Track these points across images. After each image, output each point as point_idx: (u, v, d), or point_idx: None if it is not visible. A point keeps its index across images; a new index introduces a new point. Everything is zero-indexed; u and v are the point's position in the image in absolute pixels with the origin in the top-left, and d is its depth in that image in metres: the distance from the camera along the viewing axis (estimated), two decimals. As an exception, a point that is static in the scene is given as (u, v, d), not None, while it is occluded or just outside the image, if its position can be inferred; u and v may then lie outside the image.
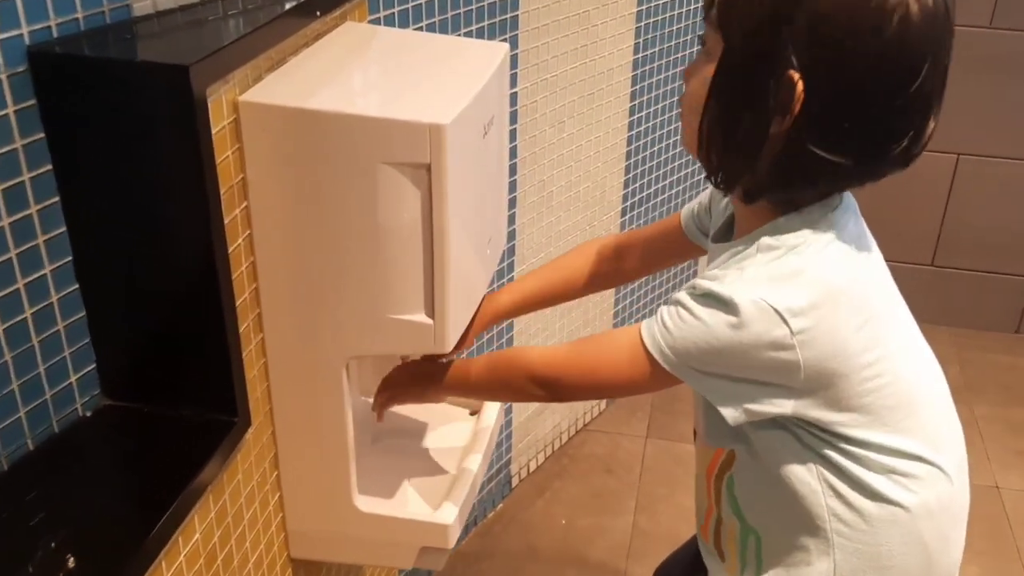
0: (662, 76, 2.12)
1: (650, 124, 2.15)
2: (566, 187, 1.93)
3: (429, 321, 1.02)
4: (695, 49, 2.19)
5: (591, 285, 1.29)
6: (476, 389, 1.18)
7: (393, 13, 1.32)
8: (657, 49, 2.06)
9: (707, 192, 1.17)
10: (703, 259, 1.25)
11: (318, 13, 1.08)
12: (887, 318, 0.97)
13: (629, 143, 2.10)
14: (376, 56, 1.12)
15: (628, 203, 2.19)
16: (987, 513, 2.18)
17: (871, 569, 0.98)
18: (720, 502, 1.07)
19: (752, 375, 0.91)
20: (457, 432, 1.36)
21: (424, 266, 1.00)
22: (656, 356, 0.93)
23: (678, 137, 2.26)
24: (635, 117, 2.08)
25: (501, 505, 2.14)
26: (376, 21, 1.28)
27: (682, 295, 0.93)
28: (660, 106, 2.16)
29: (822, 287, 0.89)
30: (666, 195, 2.32)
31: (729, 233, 1.04)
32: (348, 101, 0.97)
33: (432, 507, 1.20)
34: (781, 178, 0.91)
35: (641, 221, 2.26)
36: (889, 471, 0.96)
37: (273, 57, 1.00)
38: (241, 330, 1.01)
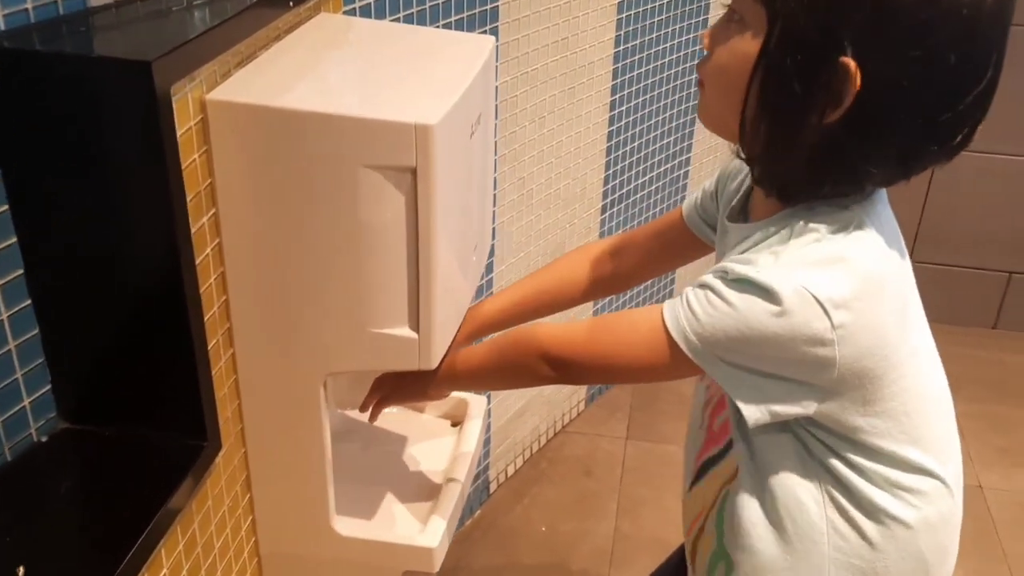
0: (643, 69, 2.06)
1: (631, 119, 2.09)
2: (546, 184, 1.87)
3: (414, 335, 0.95)
4: (679, 40, 2.13)
5: (587, 291, 1.20)
6: (480, 377, 1.07)
7: (369, 3, 1.24)
8: (638, 41, 2.00)
9: (711, 180, 1.10)
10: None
11: (291, 4, 1.01)
12: (913, 315, 0.92)
13: (609, 138, 2.04)
14: (354, 50, 1.05)
15: (608, 200, 2.13)
16: (970, 513, 2.13)
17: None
18: (711, 513, 1.01)
19: (782, 370, 0.85)
20: (439, 445, 1.29)
21: (408, 277, 0.93)
22: (679, 342, 0.86)
23: (658, 132, 2.21)
24: (616, 112, 2.02)
25: (479, 512, 2.08)
26: (351, 12, 1.21)
27: (711, 279, 0.85)
28: (641, 100, 2.09)
29: (865, 277, 0.83)
30: (646, 191, 2.26)
31: (744, 212, 0.97)
32: (325, 99, 0.90)
33: (415, 529, 1.13)
34: (820, 171, 0.84)
35: (621, 218, 2.20)
36: (893, 485, 0.92)
37: (243, 52, 0.93)
38: (210, 346, 0.93)
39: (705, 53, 0.89)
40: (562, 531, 2.06)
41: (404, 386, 1.14)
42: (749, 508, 0.95)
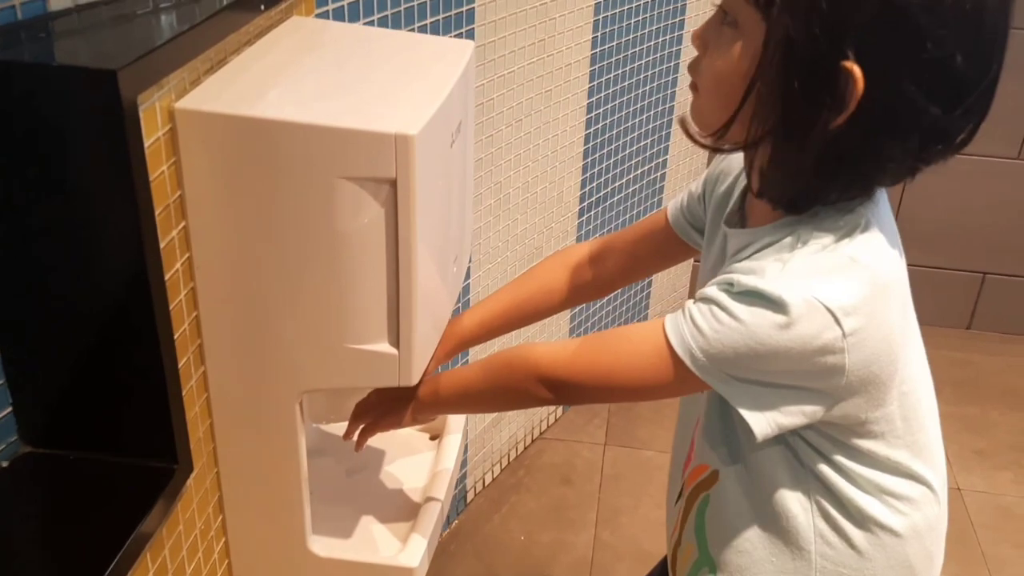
0: (620, 71, 2.03)
1: (608, 121, 2.06)
2: (523, 188, 1.84)
3: (393, 351, 0.92)
4: (656, 42, 2.11)
5: (568, 298, 1.16)
6: (470, 401, 1.03)
7: (342, 6, 1.21)
8: (615, 43, 1.97)
9: (698, 181, 1.07)
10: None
11: (262, 7, 0.97)
12: (911, 316, 0.90)
13: (587, 141, 2.01)
14: (328, 55, 1.01)
15: (586, 203, 2.10)
16: (950, 516, 2.13)
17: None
18: (685, 523, 0.99)
19: (792, 381, 0.82)
20: (417, 460, 1.26)
21: (388, 291, 0.89)
22: (685, 359, 0.83)
23: (635, 135, 2.18)
24: (593, 114, 1.99)
25: (456, 521, 2.04)
26: (324, 15, 1.17)
27: (715, 292, 0.82)
28: (618, 102, 2.07)
29: (873, 280, 0.81)
30: (623, 194, 2.23)
31: (742, 215, 0.94)
32: (299, 108, 0.86)
33: (395, 548, 1.10)
34: (827, 179, 0.81)
35: (599, 221, 2.17)
36: (883, 492, 0.90)
37: (212, 58, 0.89)
38: (180, 364, 0.89)
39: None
40: (541, 541, 2.03)
41: (387, 412, 1.10)
42: (736, 514, 0.94)
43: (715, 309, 0.81)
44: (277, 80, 0.91)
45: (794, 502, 0.90)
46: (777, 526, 0.92)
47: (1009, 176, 2.59)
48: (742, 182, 0.95)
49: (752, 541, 0.94)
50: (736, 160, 0.98)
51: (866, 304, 0.79)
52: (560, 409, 2.35)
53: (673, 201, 1.11)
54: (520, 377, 0.95)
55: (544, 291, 1.17)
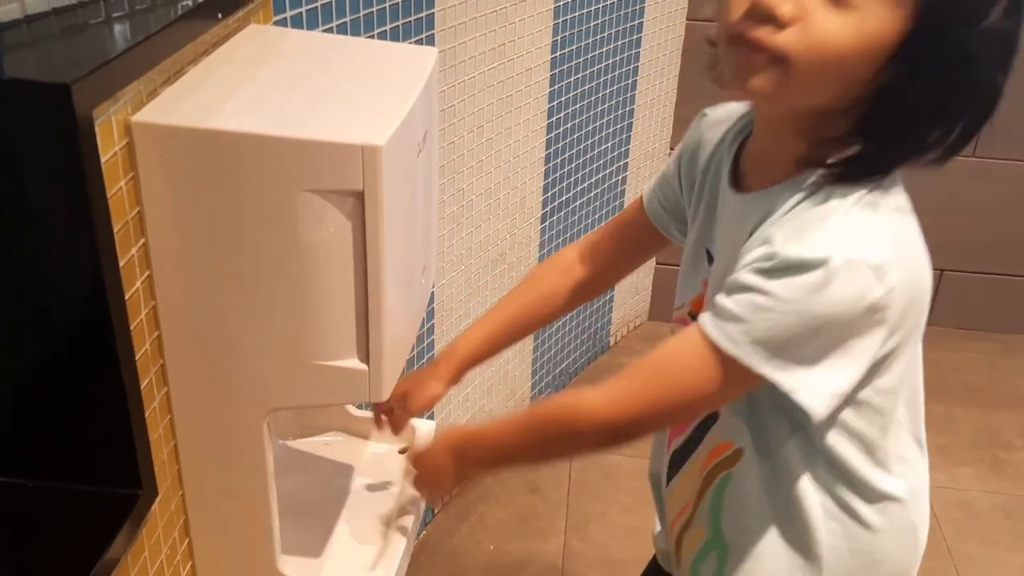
0: (580, 75, 2.02)
1: (568, 126, 2.05)
2: (486, 194, 1.82)
3: (363, 367, 0.90)
4: (615, 45, 2.10)
5: (565, 305, 1.14)
6: (519, 462, 1.01)
7: (300, 13, 1.18)
8: (575, 47, 1.96)
9: (671, 160, 1.04)
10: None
11: (219, 16, 0.94)
12: None
13: (548, 146, 2.00)
14: (288, 64, 0.98)
15: (548, 208, 2.09)
16: (915, 512, 2.16)
17: (864, 567, 0.93)
18: (699, 504, 0.98)
19: (845, 349, 0.79)
20: (388, 475, 1.23)
21: (356, 306, 0.87)
22: (744, 359, 0.78)
23: (596, 138, 2.17)
24: (553, 119, 1.98)
25: (423, 533, 2.02)
26: (282, 23, 1.15)
27: (750, 276, 0.78)
28: (578, 106, 2.06)
29: (907, 228, 0.81)
30: (586, 198, 2.22)
31: (735, 181, 0.91)
32: (261, 119, 0.83)
33: (366, 569, 1.07)
34: (910, 145, 0.81)
35: (562, 226, 2.16)
36: (889, 457, 0.91)
37: (169, 68, 0.86)
38: (143, 386, 0.86)
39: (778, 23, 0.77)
40: (510, 550, 2.01)
41: (442, 481, 1.05)
42: (753, 493, 0.93)
43: (755, 296, 0.77)
44: (236, 91, 0.88)
45: (807, 483, 0.90)
46: (789, 508, 0.91)
47: (965, 173, 2.62)
48: (731, 149, 0.93)
49: (765, 523, 0.93)
50: (718, 129, 0.96)
51: (900, 258, 0.78)
52: (526, 416, 2.33)
53: (648, 188, 1.08)
54: (575, 431, 0.89)
55: (543, 299, 1.14)
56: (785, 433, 0.90)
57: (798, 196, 0.81)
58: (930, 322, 0.97)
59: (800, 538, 0.92)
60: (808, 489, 0.91)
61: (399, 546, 1.09)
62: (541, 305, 1.14)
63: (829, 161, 0.81)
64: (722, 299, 0.80)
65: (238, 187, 0.81)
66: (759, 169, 0.89)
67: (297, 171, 0.80)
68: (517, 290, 1.17)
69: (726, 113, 0.98)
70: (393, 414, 1.18)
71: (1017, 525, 2.15)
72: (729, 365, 0.79)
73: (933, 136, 0.79)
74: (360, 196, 0.81)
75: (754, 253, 0.80)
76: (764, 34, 0.77)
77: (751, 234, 0.84)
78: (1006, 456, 2.37)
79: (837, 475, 0.90)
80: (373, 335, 0.88)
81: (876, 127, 0.80)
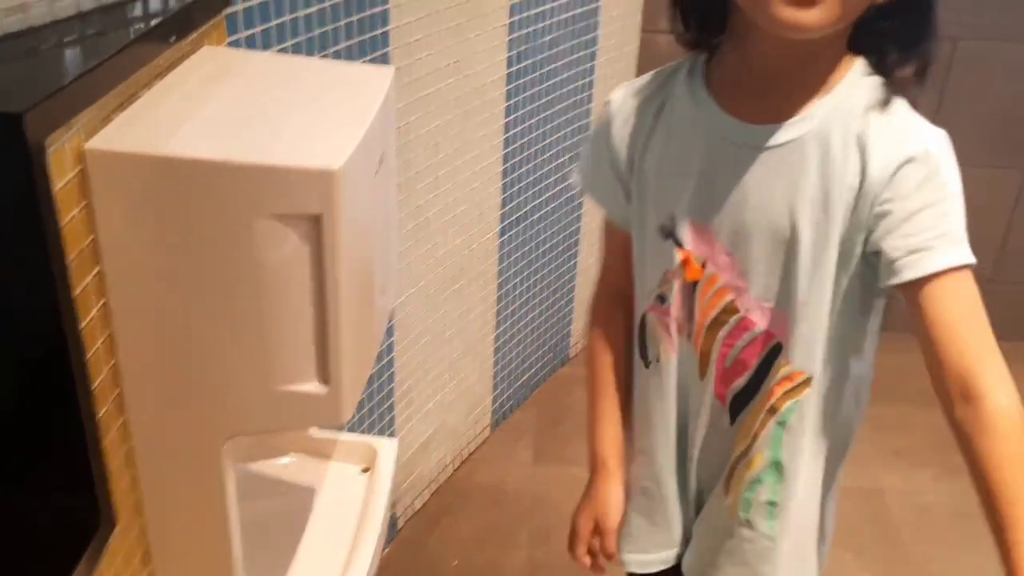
0: (536, 89, 2.03)
1: (526, 140, 2.06)
2: (443, 211, 1.82)
3: (324, 390, 0.89)
4: (570, 59, 2.11)
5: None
6: None
7: (255, 33, 1.18)
8: (530, 61, 1.97)
9: (601, 161, 1.04)
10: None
11: (172, 39, 0.93)
12: None
13: (505, 160, 2.00)
14: (243, 87, 0.98)
15: (507, 222, 2.09)
16: (873, 517, 2.18)
17: (843, 442, 1.05)
18: (761, 432, 1.01)
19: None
20: (350, 494, 1.23)
21: (316, 329, 0.87)
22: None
23: (553, 152, 2.18)
24: (510, 133, 1.99)
25: (388, 550, 2.01)
26: (236, 43, 1.14)
27: (933, 196, 0.87)
28: (534, 120, 2.07)
29: None
30: (543, 211, 2.23)
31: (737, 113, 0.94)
32: (216, 145, 0.82)
33: (330, 590, 1.07)
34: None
35: (520, 240, 2.16)
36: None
37: (123, 93, 0.85)
38: (100, 415, 0.85)
39: None
40: (475, 564, 2.01)
41: None
42: (811, 418, 0.99)
43: (945, 206, 0.87)
44: (191, 115, 0.87)
45: (850, 398, 1.01)
46: (835, 428, 1.01)
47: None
48: (699, 105, 0.96)
49: (813, 441, 1.00)
50: (629, 104, 1.01)
51: None
52: (488, 429, 2.33)
53: (609, 211, 1.08)
54: None
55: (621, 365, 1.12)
56: (850, 351, 0.98)
57: (870, 95, 0.90)
58: (887, 326, 1.00)
59: (835, 448, 1.03)
60: (850, 404, 1.01)
61: (363, 566, 1.08)
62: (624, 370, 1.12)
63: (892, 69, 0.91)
64: (937, 232, 0.86)
65: (194, 213, 0.81)
66: (774, 98, 0.92)
67: (254, 196, 0.80)
68: (603, 381, 1.12)
69: (632, 90, 1.02)
70: (596, 552, 1.14)
71: (973, 527, 2.18)
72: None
73: (930, 47, 0.90)
74: (318, 219, 0.81)
75: (902, 177, 0.87)
76: None
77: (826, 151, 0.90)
78: (957, 458, 2.40)
79: (861, 383, 1.02)
80: (333, 358, 0.88)
81: (906, 33, 0.89)
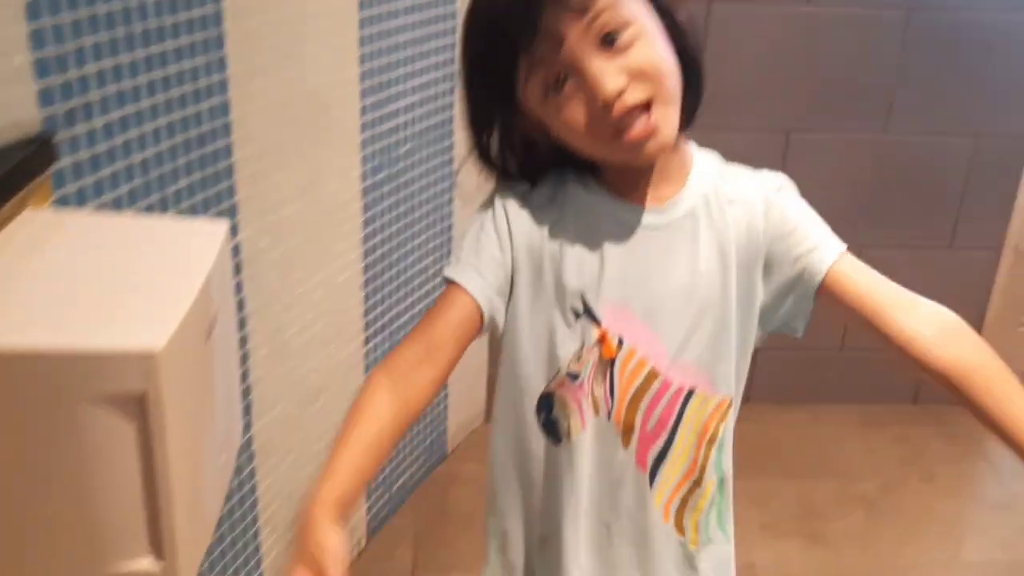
0: (395, 199, 2.05)
1: (386, 248, 2.06)
2: (301, 330, 1.80)
3: (158, 566, 0.87)
4: (427, 166, 2.14)
5: (416, 409, 1.00)
6: None
7: (86, 184, 1.15)
8: (386, 173, 1.99)
9: (488, 255, 1.03)
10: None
11: (-10, 208, 0.91)
12: None
13: (365, 271, 2.00)
14: (62, 257, 0.95)
15: (371, 331, 2.09)
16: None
17: None
18: (706, 463, 1.07)
19: None
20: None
21: (147, 506, 0.84)
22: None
23: (416, 256, 2.20)
24: (370, 244, 1.99)
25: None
26: (65, 196, 1.11)
27: (801, 215, 1.04)
28: (396, 228, 2.08)
29: None
30: (409, 315, 2.23)
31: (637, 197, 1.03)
32: (31, 331, 0.80)
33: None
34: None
35: (387, 346, 2.16)
36: None
37: (-68, 276, 0.82)
38: (-86, 615, 0.81)
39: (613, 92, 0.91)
40: None
41: None
42: (730, 431, 1.08)
43: (813, 216, 1.05)
44: (5, 297, 0.85)
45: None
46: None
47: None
48: (597, 205, 1.03)
49: (731, 439, 1.09)
50: (527, 200, 1.04)
51: None
52: (364, 538, 2.29)
53: (474, 288, 1.03)
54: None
55: (389, 416, 0.96)
56: (745, 364, 1.08)
57: (713, 166, 1.06)
58: (746, 397, 1.07)
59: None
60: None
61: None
62: (399, 421, 0.97)
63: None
64: (819, 233, 1.03)
65: (10, 404, 0.78)
66: (662, 186, 1.03)
67: (73, 383, 0.78)
68: (360, 416, 0.93)
69: (521, 191, 1.05)
70: None
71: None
72: None
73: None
74: (142, 398, 0.80)
75: (777, 212, 1.03)
76: (627, 98, 0.92)
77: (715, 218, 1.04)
78: (821, 527, 2.46)
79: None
80: (167, 532, 0.86)
81: (691, 106, 1.00)
